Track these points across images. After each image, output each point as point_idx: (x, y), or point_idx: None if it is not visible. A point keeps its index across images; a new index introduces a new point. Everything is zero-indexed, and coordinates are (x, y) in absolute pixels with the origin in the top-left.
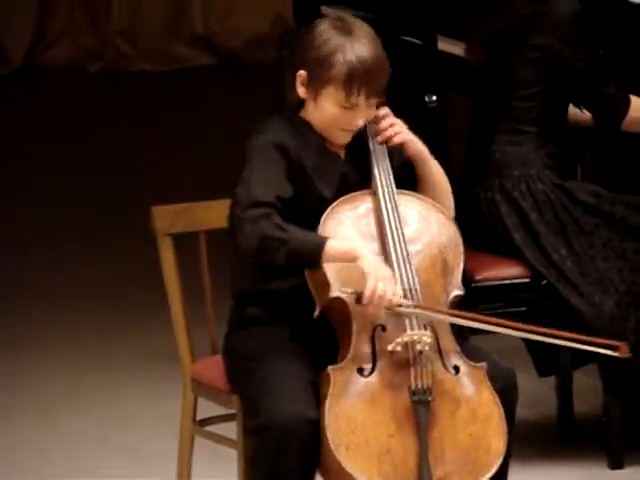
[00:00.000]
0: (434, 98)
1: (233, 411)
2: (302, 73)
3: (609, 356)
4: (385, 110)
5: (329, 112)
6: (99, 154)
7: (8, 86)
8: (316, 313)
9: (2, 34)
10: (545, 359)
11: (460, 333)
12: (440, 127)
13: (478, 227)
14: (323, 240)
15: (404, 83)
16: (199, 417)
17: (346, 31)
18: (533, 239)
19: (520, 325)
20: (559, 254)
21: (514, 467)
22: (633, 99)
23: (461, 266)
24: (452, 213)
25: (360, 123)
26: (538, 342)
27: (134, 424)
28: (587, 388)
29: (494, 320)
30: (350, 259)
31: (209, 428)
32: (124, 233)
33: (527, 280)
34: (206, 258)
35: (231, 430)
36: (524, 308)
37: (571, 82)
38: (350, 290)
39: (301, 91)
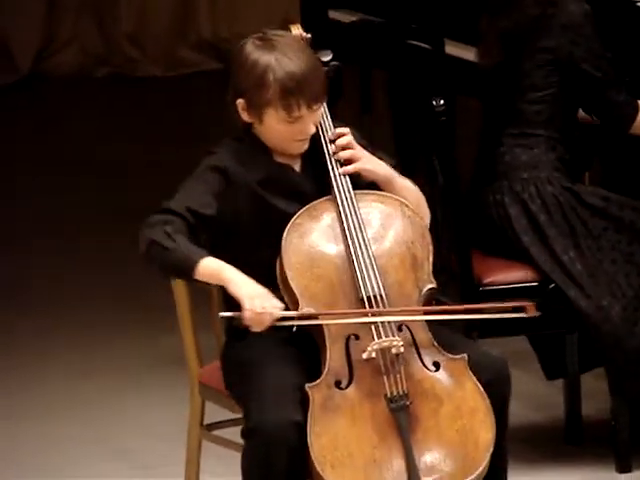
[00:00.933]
0: (442, 102)
1: (240, 415)
2: (240, 101)
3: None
4: (347, 139)
5: (277, 130)
6: (106, 159)
7: (16, 93)
8: (294, 328)
9: (9, 41)
10: (553, 362)
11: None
12: (448, 131)
13: (486, 230)
14: (199, 258)
15: (412, 87)
16: (207, 421)
17: (269, 47)
18: (542, 241)
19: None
20: (568, 256)
21: (521, 470)
22: None
23: (431, 257)
24: (427, 221)
25: (312, 130)
26: (546, 345)
27: (141, 428)
28: (595, 391)
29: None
30: (219, 281)
31: (217, 432)
32: (129, 237)
33: (535, 284)
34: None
35: (238, 434)
36: None
37: (580, 85)
38: (230, 314)
39: (245, 116)
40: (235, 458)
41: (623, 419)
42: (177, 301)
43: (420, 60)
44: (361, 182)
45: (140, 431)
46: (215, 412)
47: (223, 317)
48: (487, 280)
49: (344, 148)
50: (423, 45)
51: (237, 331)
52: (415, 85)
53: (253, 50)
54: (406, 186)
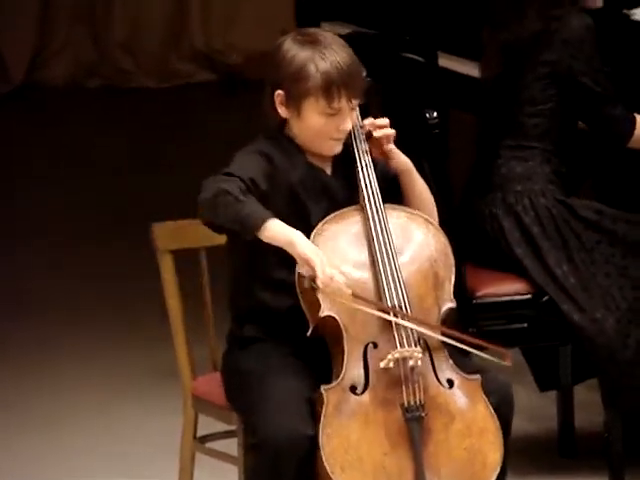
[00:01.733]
0: (435, 114)
1: (233, 427)
2: (280, 93)
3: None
4: (385, 120)
5: (315, 123)
6: (99, 170)
7: (9, 103)
8: (309, 332)
9: (2, 51)
10: (546, 374)
11: (458, 348)
12: (441, 143)
13: (480, 242)
14: (270, 216)
15: (405, 99)
16: (200, 434)
17: (311, 42)
18: (535, 254)
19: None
20: (561, 269)
21: None
22: (639, 119)
23: (452, 278)
24: (436, 219)
25: (348, 127)
26: (539, 357)
27: (135, 440)
28: (588, 403)
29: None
30: (285, 243)
31: (210, 445)
32: (125, 248)
33: (528, 296)
34: (207, 274)
35: (232, 446)
36: (525, 324)
37: (578, 99)
38: (303, 272)
39: (282, 111)
40: (228, 470)
41: (616, 431)
42: (170, 313)
43: (413, 72)
44: (387, 174)
45: (134, 442)
46: (208, 424)
47: (299, 273)
48: (480, 293)
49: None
50: (416, 57)
51: (239, 340)
52: (408, 97)
53: (294, 44)
54: (423, 184)
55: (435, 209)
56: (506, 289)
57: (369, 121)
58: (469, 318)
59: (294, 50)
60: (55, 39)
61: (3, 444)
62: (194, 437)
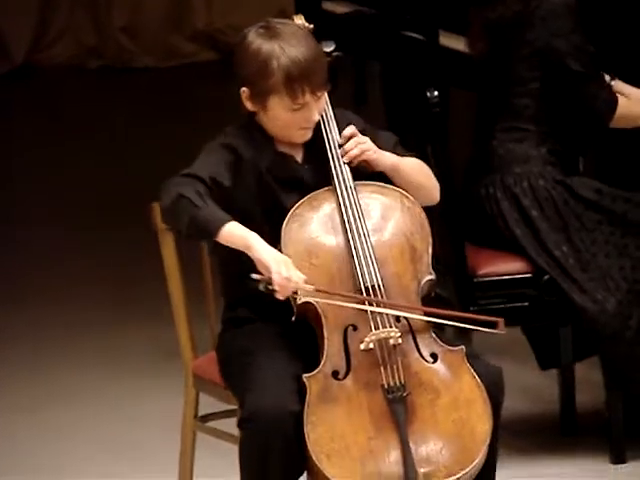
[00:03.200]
0: (435, 93)
1: (234, 407)
2: (244, 90)
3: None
4: (351, 129)
5: (282, 118)
6: (100, 149)
7: (10, 83)
8: (293, 318)
9: (4, 31)
10: (547, 352)
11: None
12: (441, 122)
13: (480, 223)
14: (227, 221)
15: (406, 78)
16: (201, 413)
17: (273, 35)
18: (534, 235)
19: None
20: (561, 251)
21: (515, 460)
22: (620, 99)
23: (430, 249)
24: (437, 196)
25: (316, 117)
26: (539, 335)
27: (136, 420)
28: (589, 382)
29: (389, 303)
30: (243, 247)
31: (211, 424)
32: (126, 228)
33: (529, 275)
34: (207, 253)
35: (232, 426)
36: (526, 303)
37: (559, 78)
38: (258, 276)
39: (249, 105)
40: (229, 449)
41: (617, 411)
42: (171, 293)
43: (414, 51)
44: (365, 172)
45: (134, 422)
46: (209, 403)
47: (252, 278)
48: (481, 272)
49: (349, 138)
50: (417, 36)
51: (233, 321)
52: (409, 76)
53: (256, 38)
54: (412, 167)
55: (432, 176)
56: (507, 268)
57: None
58: (469, 297)
59: (255, 45)
60: (57, 20)
61: (2, 422)
62: (195, 416)
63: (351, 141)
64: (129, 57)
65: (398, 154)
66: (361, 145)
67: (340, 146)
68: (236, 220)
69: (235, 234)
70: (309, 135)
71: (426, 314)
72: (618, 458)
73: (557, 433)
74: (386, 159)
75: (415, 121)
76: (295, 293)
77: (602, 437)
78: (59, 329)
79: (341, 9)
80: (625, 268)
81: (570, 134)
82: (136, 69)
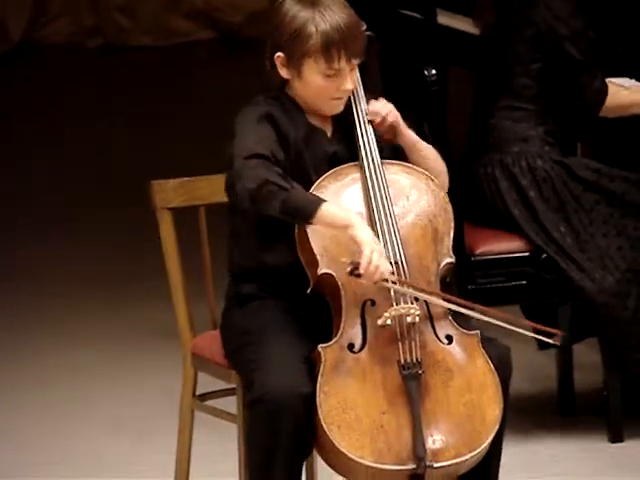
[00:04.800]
0: (433, 72)
1: (233, 385)
2: (280, 55)
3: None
4: (388, 107)
5: (316, 84)
6: (99, 128)
7: (8, 62)
8: (309, 290)
9: (1, 10)
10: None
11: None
12: (439, 101)
13: (478, 202)
14: (322, 200)
15: (404, 57)
16: (199, 391)
17: (311, 3)
18: (532, 216)
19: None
20: (559, 231)
21: (514, 440)
22: (611, 87)
23: (451, 233)
24: (446, 186)
25: (349, 87)
26: (538, 314)
27: (134, 398)
28: (587, 361)
29: (468, 304)
30: (342, 226)
31: (209, 402)
32: (125, 207)
33: (527, 254)
34: (206, 232)
35: (231, 404)
36: (524, 282)
37: (558, 62)
38: (346, 259)
39: (283, 72)
40: (227, 428)
41: (615, 390)
42: (169, 271)
43: (412, 30)
44: (387, 145)
45: (132, 401)
46: (208, 382)
47: (343, 261)
48: (479, 251)
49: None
50: (415, 15)
51: (238, 298)
52: (407, 55)
53: (293, 4)
54: (430, 152)
55: (445, 175)
56: (505, 246)
57: (373, 108)
58: (468, 275)
59: (293, 11)
60: (54, 1)
61: (3, 401)
62: (193, 395)
63: (383, 104)
64: (127, 36)
65: None
66: (393, 110)
67: (370, 122)
68: None
69: (333, 214)
70: (341, 107)
71: (449, 301)
72: (616, 437)
73: (555, 412)
74: (411, 133)
75: (413, 99)
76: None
77: (600, 416)
78: (58, 308)
79: None
80: (623, 248)
81: (568, 116)
82: (134, 48)
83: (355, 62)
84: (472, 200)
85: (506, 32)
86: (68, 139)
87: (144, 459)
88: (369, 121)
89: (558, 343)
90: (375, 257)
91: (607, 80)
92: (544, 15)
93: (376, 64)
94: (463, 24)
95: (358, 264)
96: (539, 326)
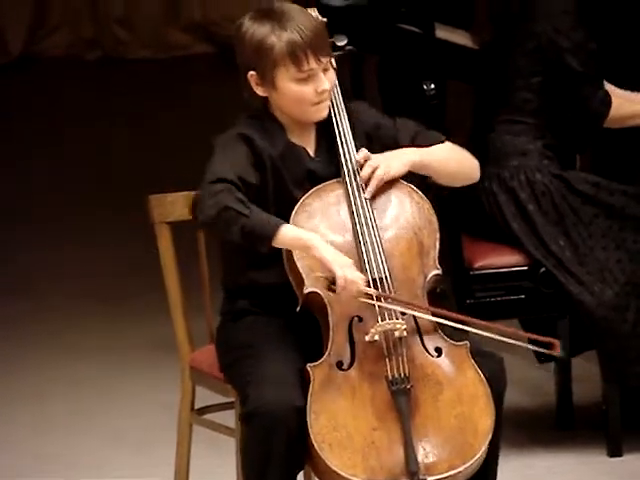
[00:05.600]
0: (432, 86)
1: (231, 399)
2: (252, 73)
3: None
4: (363, 153)
5: (292, 92)
6: (100, 141)
7: (7, 75)
8: (298, 308)
9: (0, 23)
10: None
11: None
12: (438, 115)
13: (477, 215)
14: (280, 223)
15: (402, 71)
16: (197, 405)
17: (267, 16)
18: (531, 229)
19: (476, 321)
20: (558, 244)
21: (511, 454)
22: (614, 99)
23: (437, 244)
24: (478, 173)
25: (326, 86)
26: (537, 328)
27: (132, 412)
28: (586, 375)
29: (460, 317)
30: (302, 247)
31: (207, 416)
32: (125, 220)
33: (526, 268)
34: (204, 246)
35: (229, 418)
36: (523, 296)
37: (559, 74)
38: (322, 274)
39: (260, 91)
40: (225, 441)
41: (614, 403)
42: (168, 285)
43: (411, 44)
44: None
45: (131, 414)
46: (206, 396)
47: (319, 277)
48: (478, 264)
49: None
50: (413, 29)
51: (232, 313)
52: (406, 69)
53: (251, 23)
54: (440, 157)
55: (472, 168)
56: (503, 260)
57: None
58: (466, 289)
59: (252, 29)
60: (53, 11)
61: (2, 414)
62: (192, 409)
63: (366, 167)
64: (125, 49)
65: (420, 145)
66: (377, 172)
67: (354, 144)
68: None
69: (291, 236)
70: (325, 112)
71: (437, 315)
72: (615, 451)
73: (554, 426)
74: (402, 167)
75: (412, 113)
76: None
77: (599, 430)
78: (57, 321)
79: (337, 2)
80: (622, 261)
81: (568, 130)
82: (133, 60)
83: (325, 60)
84: (471, 213)
85: (506, 46)
86: (68, 151)
87: (143, 472)
88: (351, 134)
89: (558, 353)
90: (348, 273)
91: (610, 90)
92: (544, 28)
93: (374, 79)
94: (462, 38)
95: (333, 279)
96: (535, 336)
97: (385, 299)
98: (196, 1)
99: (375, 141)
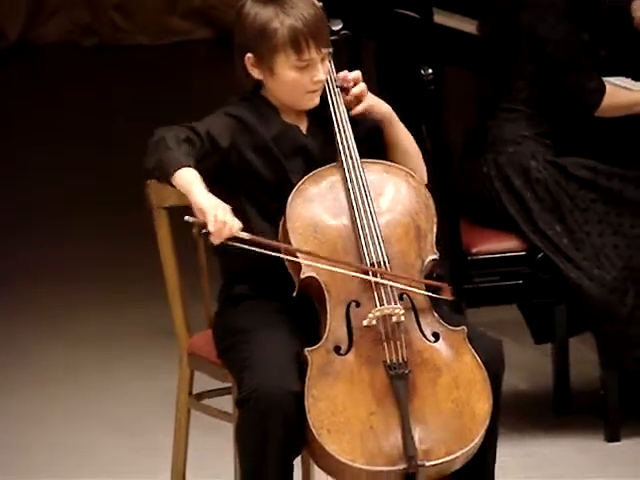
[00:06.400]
0: (430, 71)
1: (229, 384)
2: (249, 56)
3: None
4: (343, 72)
5: (289, 78)
6: (97, 128)
7: (4, 61)
8: (294, 292)
9: None
10: (541, 326)
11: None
12: (436, 100)
13: (475, 200)
14: (182, 165)
15: (400, 56)
16: (195, 391)
17: (270, 0)
18: (527, 215)
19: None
20: (554, 230)
21: (509, 438)
22: (608, 88)
23: (434, 229)
24: (424, 176)
25: (322, 77)
26: (534, 309)
27: (131, 398)
28: (584, 359)
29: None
30: (186, 190)
31: (205, 401)
32: (125, 206)
33: (523, 253)
34: None
35: (227, 403)
36: (520, 281)
37: (545, 65)
38: (192, 219)
39: (255, 73)
40: (224, 427)
41: (612, 388)
42: (165, 271)
43: (408, 29)
44: (366, 124)
45: (129, 400)
46: (203, 382)
47: (186, 220)
48: (476, 250)
49: (354, 85)
50: (411, 14)
51: (230, 299)
52: (404, 54)
53: (254, 5)
54: (408, 134)
55: (421, 162)
56: (501, 246)
57: (342, 74)
58: (464, 274)
59: (255, 11)
60: (50, 1)
61: (3, 400)
62: (190, 394)
63: (358, 87)
64: (123, 35)
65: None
66: (360, 81)
67: (349, 119)
68: (241, 189)
69: (183, 178)
70: (317, 101)
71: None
72: (613, 436)
73: (551, 411)
74: (384, 107)
75: (410, 99)
76: (230, 239)
77: (596, 415)
78: (55, 308)
79: None
80: (619, 246)
81: (564, 117)
82: (131, 47)
83: (325, 51)
84: (470, 199)
85: (504, 35)
86: (66, 139)
87: (141, 457)
88: (348, 119)
89: (450, 297)
90: (220, 213)
91: (605, 80)
92: (531, 18)
93: (371, 64)
94: (460, 23)
95: (204, 224)
96: (428, 282)
97: (380, 274)
98: None
99: (361, 124)
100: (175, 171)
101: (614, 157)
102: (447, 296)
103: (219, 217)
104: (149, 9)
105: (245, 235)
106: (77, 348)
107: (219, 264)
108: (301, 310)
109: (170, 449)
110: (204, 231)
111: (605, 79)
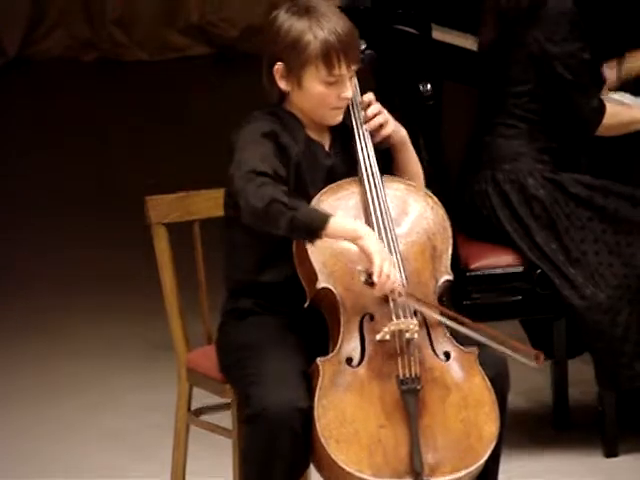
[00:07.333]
0: (429, 87)
1: (228, 400)
2: (279, 66)
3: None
4: (369, 96)
5: (316, 92)
6: (95, 143)
7: (3, 76)
8: (306, 304)
9: None
10: (541, 343)
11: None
12: (435, 116)
13: (473, 216)
14: (329, 215)
15: (399, 72)
16: (194, 406)
17: (306, 12)
18: (524, 232)
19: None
20: (550, 247)
21: (508, 455)
22: (609, 107)
23: (450, 250)
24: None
25: (349, 94)
26: (536, 328)
27: (130, 413)
28: (582, 376)
29: (476, 326)
30: (352, 238)
31: (204, 417)
32: (124, 220)
33: (522, 269)
34: (200, 247)
35: (226, 419)
36: (519, 297)
37: (550, 83)
38: (361, 268)
39: (283, 84)
40: (222, 442)
41: (610, 404)
42: (164, 286)
43: (407, 45)
44: (380, 146)
45: (129, 414)
46: (202, 397)
47: (359, 270)
48: (474, 265)
49: (375, 115)
50: (410, 30)
51: (234, 313)
52: (402, 70)
53: (288, 17)
54: (416, 157)
55: (423, 182)
56: (500, 261)
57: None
58: (462, 290)
59: (290, 21)
60: (50, 13)
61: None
62: (188, 410)
63: (372, 108)
64: (122, 50)
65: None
66: (380, 117)
67: (365, 121)
68: None
69: (342, 226)
70: (340, 117)
71: (446, 316)
72: (611, 452)
73: (549, 427)
74: (401, 129)
75: (408, 114)
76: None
77: (594, 431)
78: (54, 320)
79: (333, 2)
80: (614, 265)
81: (562, 132)
82: (130, 62)
83: (354, 68)
84: (468, 215)
85: (502, 50)
86: (66, 152)
87: (140, 473)
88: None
89: (541, 365)
90: (386, 266)
91: (605, 97)
92: (537, 36)
93: (370, 79)
94: (458, 39)
95: (371, 273)
96: (522, 347)
97: (414, 300)
98: (194, 3)
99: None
100: (325, 226)
101: (611, 172)
102: (540, 364)
103: (385, 270)
104: (148, 25)
105: (403, 290)
106: (76, 361)
107: (224, 275)
108: (305, 324)
109: (169, 464)
110: (369, 280)
111: (606, 96)
